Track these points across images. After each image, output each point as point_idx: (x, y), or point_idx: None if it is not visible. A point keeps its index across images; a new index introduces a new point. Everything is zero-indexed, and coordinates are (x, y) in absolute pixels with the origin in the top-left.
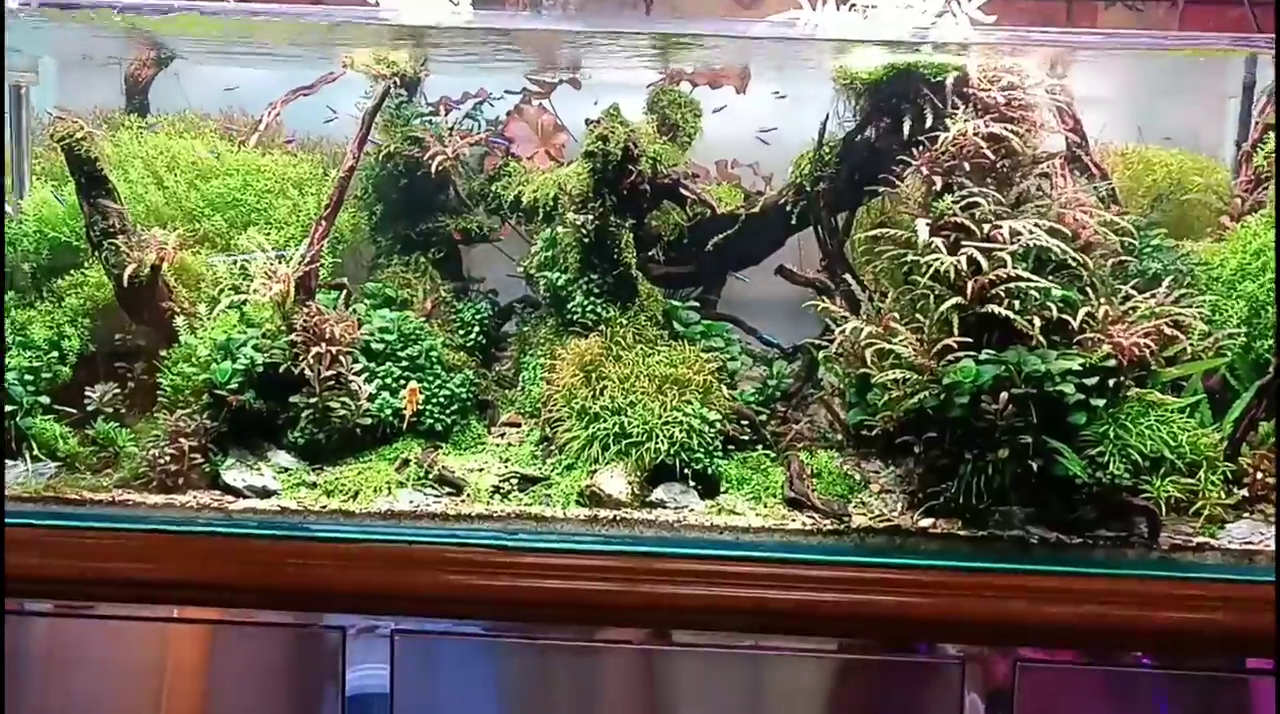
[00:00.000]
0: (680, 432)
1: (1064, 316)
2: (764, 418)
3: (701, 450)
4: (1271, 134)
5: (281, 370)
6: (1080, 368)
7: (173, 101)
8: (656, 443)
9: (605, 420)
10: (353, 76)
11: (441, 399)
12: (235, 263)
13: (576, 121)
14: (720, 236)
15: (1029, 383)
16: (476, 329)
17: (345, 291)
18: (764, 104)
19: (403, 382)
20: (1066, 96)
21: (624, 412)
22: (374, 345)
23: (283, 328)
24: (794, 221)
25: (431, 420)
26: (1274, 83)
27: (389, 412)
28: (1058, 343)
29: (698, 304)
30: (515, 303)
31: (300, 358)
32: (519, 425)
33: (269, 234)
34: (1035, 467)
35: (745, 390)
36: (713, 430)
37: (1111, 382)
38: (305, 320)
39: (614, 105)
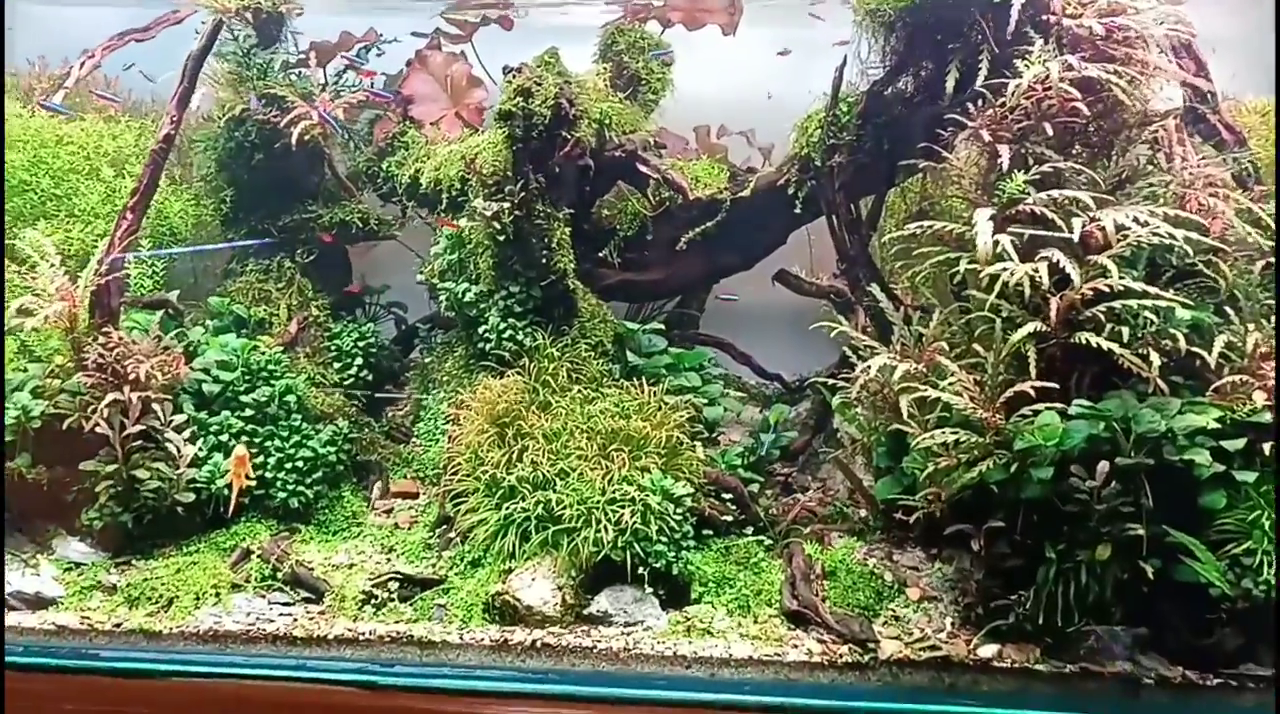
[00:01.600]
0: (633, 513)
1: (1194, 349)
2: (755, 487)
3: (664, 539)
4: None
5: (67, 424)
6: (1218, 426)
7: None
8: (598, 530)
9: (525, 496)
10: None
11: (299, 463)
12: (18, 270)
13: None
14: (695, 231)
15: (1141, 448)
16: (359, 361)
17: (167, 310)
18: (759, 48)
19: (244, 441)
20: (1187, 30)
21: (551, 484)
22: (207, 387)
23: (72, 365)
24: (798, 209)
25: (285, 493)
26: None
27: (222, 482)
28: (1183, 388)
29: (662, 327)
30: (420, 323)
31: (95, 407)
32: (415, 496)
33: (69, 231)
34: (1150, 570)
35: (730, 447)
36: (680, 510)
37: (1265, 446)
38: (102, 354)
39: (550, 50)
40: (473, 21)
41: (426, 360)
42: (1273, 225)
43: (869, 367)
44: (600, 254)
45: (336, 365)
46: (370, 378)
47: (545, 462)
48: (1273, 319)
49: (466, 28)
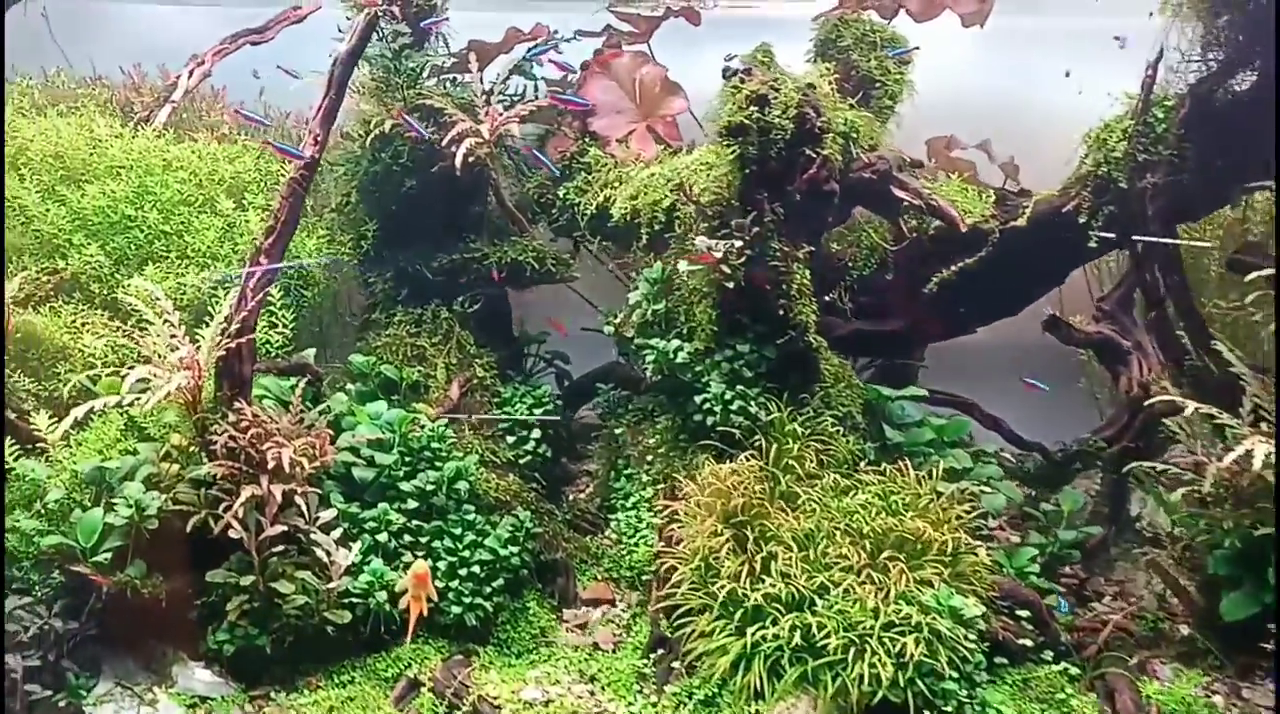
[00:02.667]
0: (917, 641)
1: None
2: (1054, 600)
3: (954, 673)
4: None
5: (193, 526)
6: None
7: (44, 53)
8: (872, 663)
9: (775, 619)
10: (332, 15)
11: (475, 568)
12: (122, 328)
13: (693, 81)
14: (951, 269)
15: None
16: (535, 433)
17: (308, 377)
18: (1003, 40)
19: (408, 540)
20: None
21: (809, 603)
22: (358, 472)
23: (195, 447)
24: (1092, 241)
25: (460, 607)
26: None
27: (382, 596)
28: None
29: (924, 392)
30: (596, 379)
31: (225, 503)
32: (610, 602)
33: (181, 276)
34: None
35: (1021, 550)
36: (971, 635)
37: None
38: (234, 437)
39: (762, 46)
40: (651, 15)
41: (617, 430)
42: None
43: (1248, 454)
44: (827, 298)
45: (509, 439)
46: (549, 454)
47: (799, 574)
48: None
49: (643, 24)
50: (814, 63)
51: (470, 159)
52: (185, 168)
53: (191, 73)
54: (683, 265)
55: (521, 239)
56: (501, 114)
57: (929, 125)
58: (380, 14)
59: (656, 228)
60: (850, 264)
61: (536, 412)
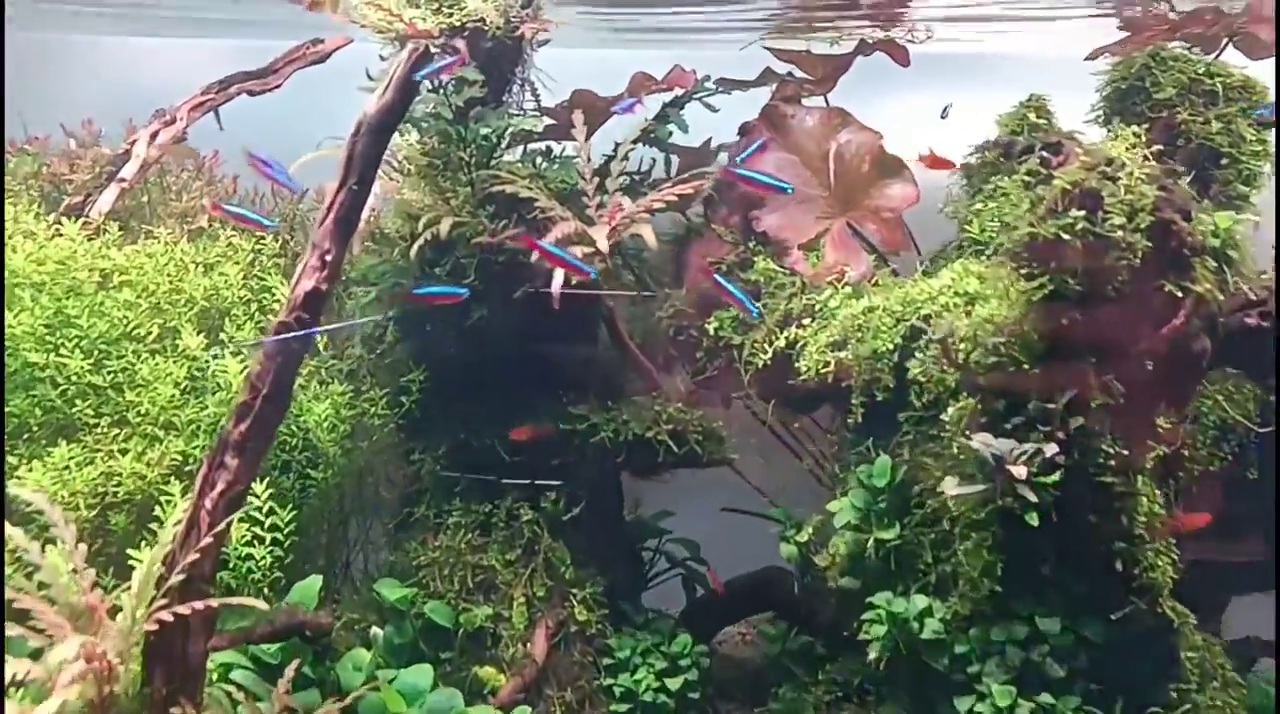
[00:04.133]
0: None
1: None
2: None
3: None
4: None
5: None
6: None
7: None
8: None
9: None
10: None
11: None
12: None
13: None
14: None
15: None
16: None
17: (304, 633)
18: None
19: None
20: None
21: None
22: None
23: None
24: None
25: None
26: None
27: None
28: None
29: None
30: (747, 596)
31: None
32: None
33: (114, 457)
34: None
35: None
36: None
37: None
38: None
39: (1035, 99)
40: (832, 55)
41: None
42: None
43: None
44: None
45: None
46: None
47: None
48: None
49: (819, 66)
50: (1105, 124)
51: (573, 284)
52: (134, 284)
53: (155, 135)
54: (949, 485)
55: (651, 400)
56: (626, 206)
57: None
58: (436, 49)
59: (880, 399)
60: (1188, 454)
61: (670, 683)
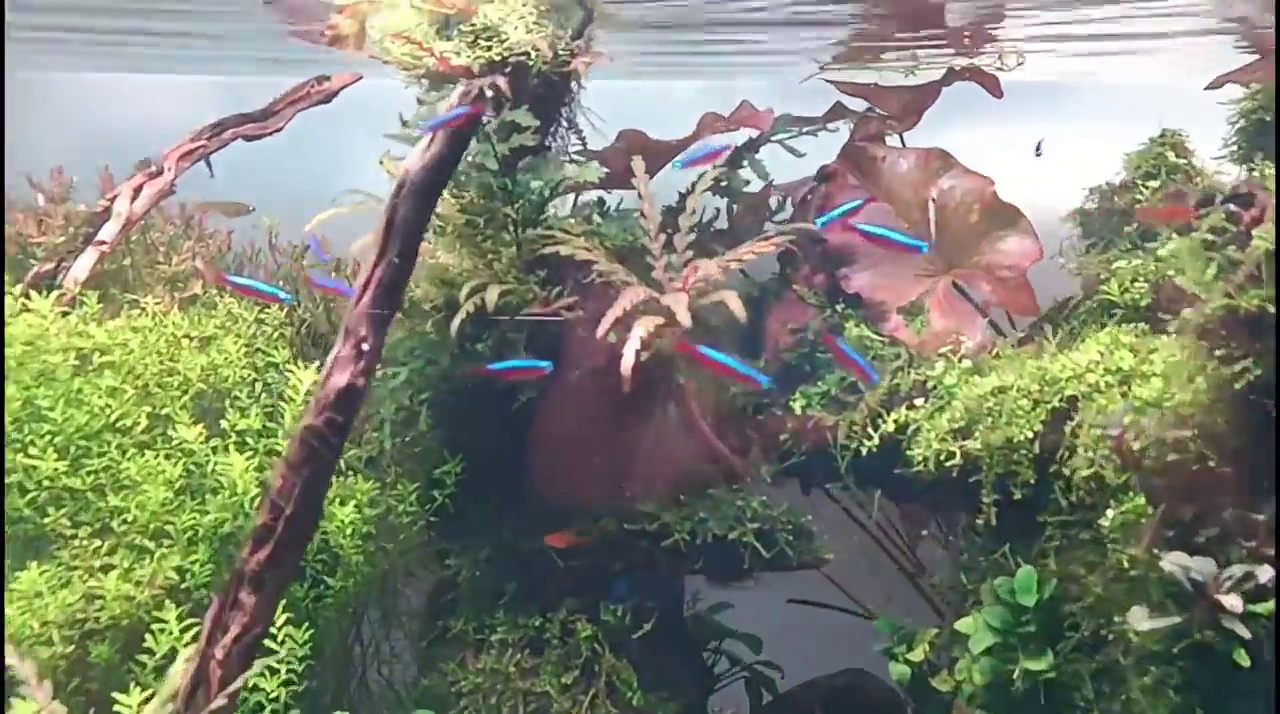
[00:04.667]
0: None
1: None
2: None
3: None
4: None
5: None
6: None
7: None
8: None
9: None
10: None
11: None
12: None
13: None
14: None
15: None
16: None
17: None
18: None
19: None
20: None
21: None
22: None
23: None
24: None
25: None
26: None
27: None
28: None
29: None
30: None
31: None
32: None
33: (97, 581)
34: None
35: None
36: None
37: None
38: None
39: (1172, 136)
40: (907, 86)
41: None
42: None
43: None
44: None
45: None
46: None
47: None
48: None
49: (892, 99)
50: (1244, 163)
51: (644, 355)
52: (118, 365)
53: (137, 191)
54: (1136, 617)
55: (731, 493)
56: (705, 268)
57: None
58: (488, 89)
59: (1019, 496)
60: None
61: None
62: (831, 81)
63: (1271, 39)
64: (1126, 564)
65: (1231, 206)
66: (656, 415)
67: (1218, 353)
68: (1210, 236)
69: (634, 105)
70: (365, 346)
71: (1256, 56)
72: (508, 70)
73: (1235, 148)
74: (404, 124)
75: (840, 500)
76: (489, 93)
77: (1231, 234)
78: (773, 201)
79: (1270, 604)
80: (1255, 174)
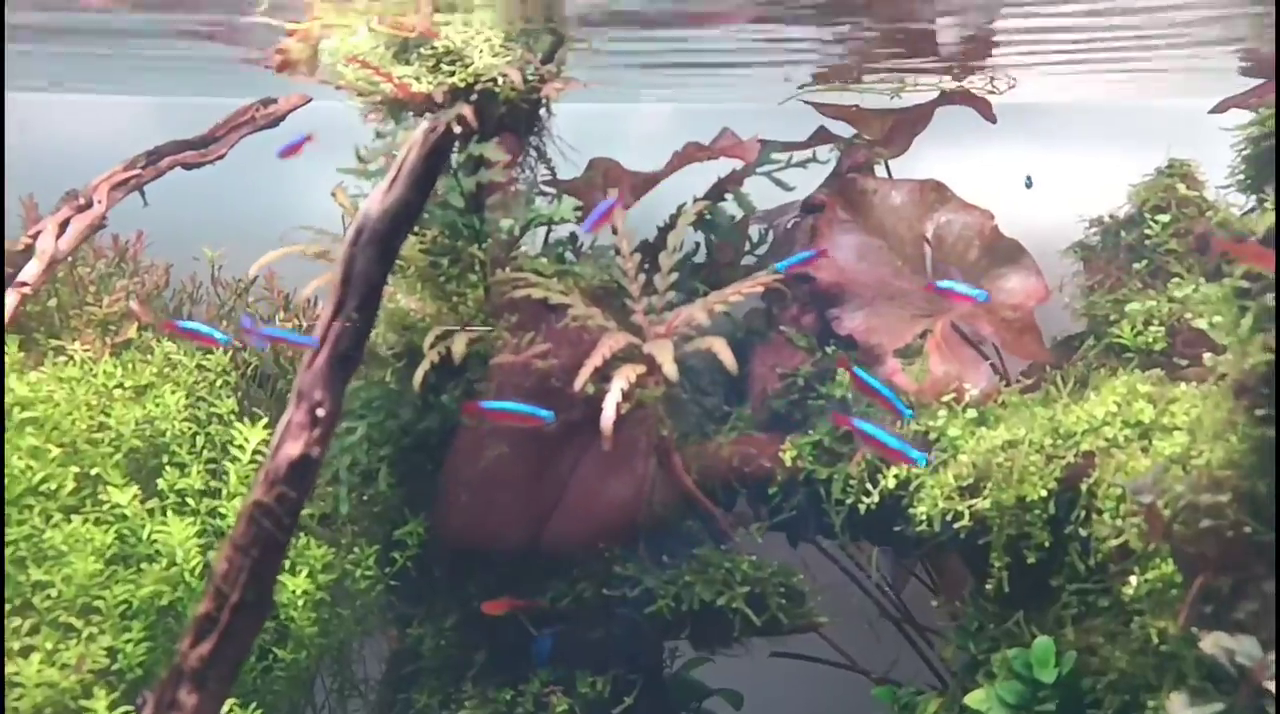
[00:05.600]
0: None
1: None
2: None
3: None
4: None
5: None
6: None
7: None
8: None
9: None
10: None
11: None
12: None
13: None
14: None
15: None
16: None
17: None
18: None
19: None
20: None
21: None
22: None
23: None
24: None
25: None
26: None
27: None
28: None
29: None
30: None
31: None
32: None
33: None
34: None
35: None
36: None
37: None
38: None
39: (1179, 166)
40: (893, 110)
41: None
42: None
43: None
44: None
45: None
46: None
47: None
48: None
49: (875, 123)
50: (1253, 193)
51: (624, 407)
52: (41, 421)
53: (63, 226)
54: (1176, 705)
55: (719, 554)
56: (691, 312)
57: None
58: (453, 120)
59: (1031, 561)
60: None
61: None
62: (812, 103)
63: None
64: (1157, 639)
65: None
66: (637, 470)
67: (1258, 412)
68: (1245, 283)
69: (606, 128)
70: (321, 411)
71: (1261, 80)
72: (473, 98)
73: (1242, 176)
74: (359, 159)
75: (837, 558)
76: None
77: (1268, 281)
78: (753, 233)
79: None
80: (1265, 204)
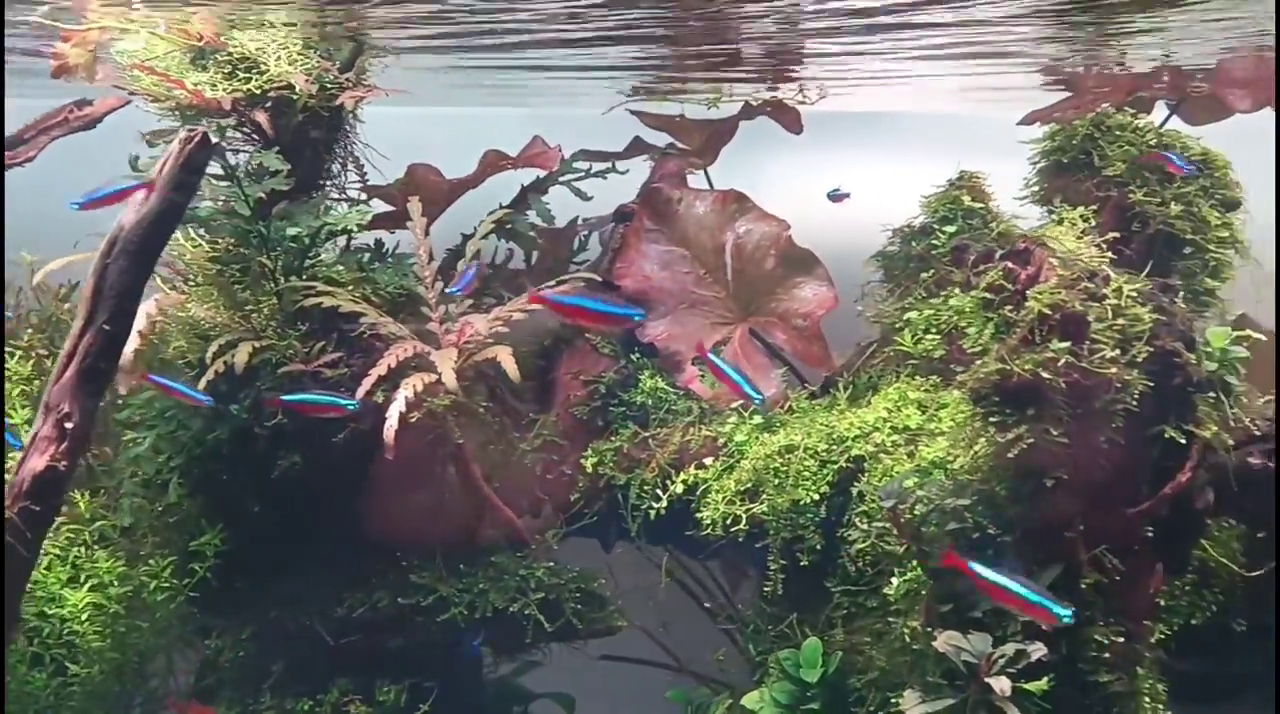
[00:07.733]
0: None
1: None
2: None
3: None
4: None
5: None
6: None
7: None
8: None
9: None
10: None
11: None
12: None
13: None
14: None
15: None
16: None
17: None
18: None
19: None
20: None
21: None
22: None
23: None
24: None
25: None
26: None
27: None
28: None
29: None
30: None
31: None
32: None
33: None
34: None
35: None
36: None
37: None
38: None
39: (968, 178)
40: (710, 121)
41: None
42: None
43: None
44: None
45: None
46: None
47: None
48: None
49: (695, 133)
50: (1044, 204)
51: (416, 418)
52: None
53: None
54: (909, 703)
55: (515, 560)
56: (478, 324)
57: None
58: (230, 126)
59: (805, 563)
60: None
61: None
62: (636, 113)
63: (1083, 79)
64: (909, 638)
65: (1009, 264)
66: (434, 477)
67: (993, 419)
68: (989, 295)
69: (461, 132)
70: (69, 424)
71: (1068, 94)
72: (268, 105)
73: (1037, 189)
74: (133, 166)
75: (654, 559)
76: (248, 130)
77: (1010, 293)
78: (577, 240)
79: (1043, 683)
80: (1054, 216)
